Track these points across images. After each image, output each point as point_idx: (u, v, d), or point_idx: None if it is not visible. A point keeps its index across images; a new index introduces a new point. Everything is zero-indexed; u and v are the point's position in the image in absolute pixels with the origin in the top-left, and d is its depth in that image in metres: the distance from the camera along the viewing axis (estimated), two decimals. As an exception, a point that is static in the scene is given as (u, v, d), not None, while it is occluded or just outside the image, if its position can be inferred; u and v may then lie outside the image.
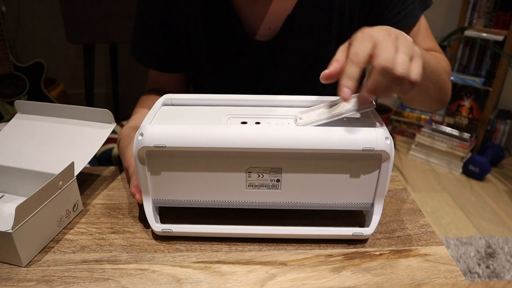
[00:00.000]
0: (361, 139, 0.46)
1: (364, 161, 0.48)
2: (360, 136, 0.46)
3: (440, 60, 0.69)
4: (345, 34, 0.72)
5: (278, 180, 0.49)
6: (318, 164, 0.48)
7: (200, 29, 0.73)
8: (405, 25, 0.71)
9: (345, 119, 0.51)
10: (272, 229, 0.51)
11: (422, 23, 0.73)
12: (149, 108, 0.55)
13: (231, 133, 0.46)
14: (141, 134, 0.47)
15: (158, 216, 0.53)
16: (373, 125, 0.49)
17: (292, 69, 0.75)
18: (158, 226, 0.51)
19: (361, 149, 0.46)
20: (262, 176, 0.49)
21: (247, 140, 0.46)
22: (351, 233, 0.51)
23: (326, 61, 0.67)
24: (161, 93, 0.81)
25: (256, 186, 0.49)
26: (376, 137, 0.46)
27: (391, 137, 0.47)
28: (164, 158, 0.48)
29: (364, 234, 0.51)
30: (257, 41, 0.72)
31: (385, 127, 0.48)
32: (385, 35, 0.45)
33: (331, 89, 0.58)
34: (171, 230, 0.51)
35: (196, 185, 0.50)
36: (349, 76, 0.44)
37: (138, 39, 0.79)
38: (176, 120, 0.51)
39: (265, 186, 0.49)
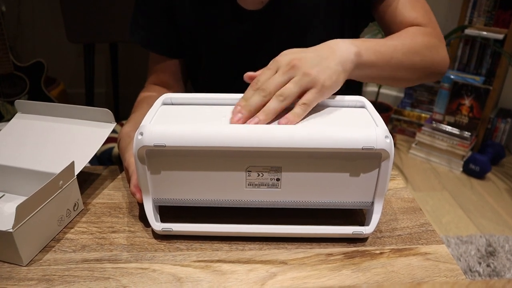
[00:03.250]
0: (361, 138, 0.46)
1: (364, 160, 0.48)
2: (359, 135, 0.46)
3: (410, 41, 0.65)
4: (335, 3, 0.73)
5: (278, 179, 0.49)
6: (318, 163, 0.48)
7: (192, 4, 0.73)
8: None
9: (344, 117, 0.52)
10: (272, 228, 0.51)
11: None
12: (149, 106, 0.55)
13: (231, 132, 0.46)
14: (141, 134, 0.47)
15: (158, 215, 0.53)
16: (373, 124, 0.49)
17: (285, 38, 0.75)
18: (158, 225, 0.51)
19: (361, 148, 0.46)
20: (262, 175, 0.49)
21: (247, 139, 0.46)
22: (351, 232, 0.51)
23: (317, 30, 0.69)
24: (160, 88, 0.82)
25: (256, 185, 0.49)
26: (375, 136, 0.46)
27: (391, 136, 0.47)
28: (164, 157, 0.48)
29: (364, 232, 0.51)
30: (248, 11, 0.72)
31: (384, 126, 0.48)
32: (285, 64, 0.52)
33: None
34: (171, 229, 0.51)
35: (196, 184, 0.50)
36: (246, 101, 0.51)
37: (138, 21, 0.78)
38: (176, 119, 0.51)
39: (265, 185, 0.49)
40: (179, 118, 0.51)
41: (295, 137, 0.46)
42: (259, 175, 0.49)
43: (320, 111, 0.54)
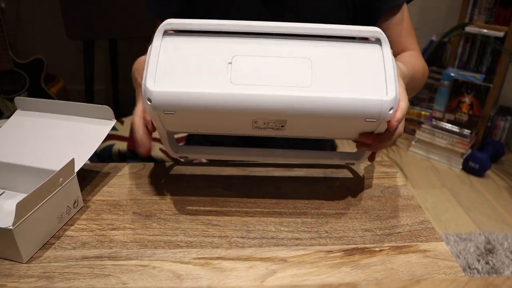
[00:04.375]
0: (365, 107, 0.47)
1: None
2: (364, 103, 0.47)
3: (418, 66, 0.75)
4: (345, 6, 0.76)
5: (282, 126, 0.51)
6: (322, 119, 0.49)
7: None
8: (395, 2, 0.75)
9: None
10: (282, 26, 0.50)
11: (406, 16, 0.78)
12: None
13: (238, 98, 0.46)
14: (149, 100, 0.46)
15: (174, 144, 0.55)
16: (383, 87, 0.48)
17: None
18: (175, 154, 0.55)
19: (364, 119, 0.47)
20: (267, 123, 0.50)
21: (254, 105, 0.46)
22: (344, 163, 0.55)
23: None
24: None
25: (262, 128, 0.52)
26: (380, 107, 0.46)
27: (397, 102, 0.48)
28: (175, 115, 0.49)
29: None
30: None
31: (394, 90, 0.48)
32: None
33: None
34: (187, 158, 0.55)
35: (206, 126, 0.53)
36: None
37: None
38: (180, 73, 0.48)
39: (271, 128, 0.52)
40: (183, 72, 0.49)
41: (300, 104, 0.46)
42: (265, 123, 0.50)
43: (330, 59, 0.51)
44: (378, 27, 0.78)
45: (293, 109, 0.46)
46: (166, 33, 0.50)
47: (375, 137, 0.52)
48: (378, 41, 0.50)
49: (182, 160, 0.62)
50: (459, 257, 1.44)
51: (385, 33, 0.78)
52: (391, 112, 0.47)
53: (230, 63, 0.48)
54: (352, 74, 0.48)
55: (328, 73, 0.48)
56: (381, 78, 0.48)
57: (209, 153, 0.64)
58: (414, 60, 0.76)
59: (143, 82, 0.47)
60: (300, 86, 0.47)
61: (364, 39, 0.50)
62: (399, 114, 0.48)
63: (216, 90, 0.46)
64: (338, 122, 0.49)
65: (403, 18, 0.78)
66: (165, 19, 0.82)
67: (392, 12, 0.77)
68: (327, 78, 0.48)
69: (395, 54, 0.80)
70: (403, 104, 0.49)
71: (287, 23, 0.54)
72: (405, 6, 0.78)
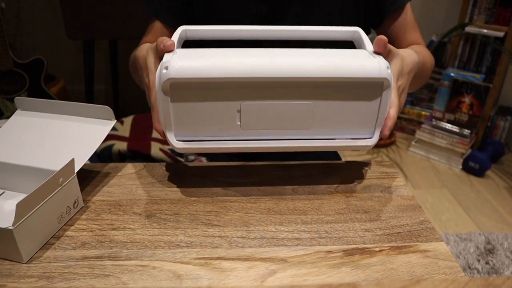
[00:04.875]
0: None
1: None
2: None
3: (426, 55, 0.76)
4: (348, 7, 0.77)
5: None
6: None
7: None
8: (399, 4, 0.77)
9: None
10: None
11: (409, 13, 0.79)
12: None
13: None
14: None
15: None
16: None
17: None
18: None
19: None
20: None
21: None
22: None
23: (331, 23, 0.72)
24: None
25: None
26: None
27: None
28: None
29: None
30: None
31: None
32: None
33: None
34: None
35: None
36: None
37: None
38: (194, 122, 0.53)
39: None
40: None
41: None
42: None
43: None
44: (383, 29, 0.80)
45: (293, 149, 0.56)
46: (172, 86, 0.51)
47: None
48: (381, 83, 0.53)
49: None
50: (459, 257, 1.44)
51: (392, 37, 0.81)
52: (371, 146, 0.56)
53: (239, 111, 0.53)
54: (348, 117, 0.54)
55: (326, 117, 0.54)
56: (372, 121, 0.55)
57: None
58: (422, 50, 0.77)
59: (167, 135, 0.53)
60: (302, 129, 0.55)
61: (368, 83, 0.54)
62: (389, 123, 0.55)
63: (228, 140, 0.54)
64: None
65: (407, 16, 0.78)
66: (160, 16, 0.82)
67: (396, 14, 0.78)
68: (325, 122, 0.55)
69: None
70: (393, 111, 0.55)
71: (275, 27, 0.60)
72: (408, 4, 0.78)
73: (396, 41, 0.81)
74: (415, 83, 0.71)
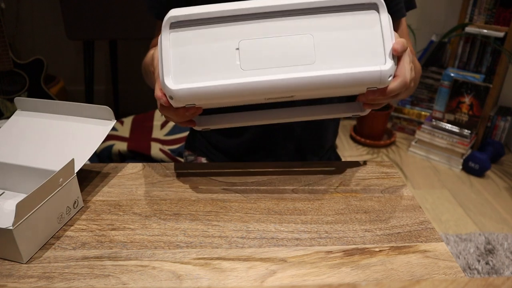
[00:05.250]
0: (365, 76, 0.50)
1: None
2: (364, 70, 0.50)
3: (417, 65, 0.75)
4: None
5: (292, 96, 0.54)
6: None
7: None
8: (395, 18, 0.76)
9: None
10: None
11: (404, 26, 0.80)
12: None
13: (250, 85, 0.50)
14: (171, 97, 0.50)
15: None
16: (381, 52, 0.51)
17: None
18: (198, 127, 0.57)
19: (365, 89, 0.51)
20: (278, 98, 0.54)
21: (265, 89, 0.50)
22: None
23: None
24: None
25: (273, 99, 0.55)
26: (380, 74, 0.49)
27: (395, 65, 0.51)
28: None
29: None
30: None
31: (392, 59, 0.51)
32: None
33: None
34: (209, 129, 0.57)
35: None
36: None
37: None
38: (194, 68, 0.52)
39: (281, 98, 0.55)
40: (198, 65, 0.52)
41: (306, 82, 0.49)
42: (276, 98, 0.54)
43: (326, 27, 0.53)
44: None
45: (299, 87, 0.50)
46: (172, 26, 0.52)
47: (374, 97, 0.54)
48: (374, 5, 0.51)
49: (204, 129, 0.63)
50: (459, 258, 1.44)
51: None
52: (390, 79, 0.51)
53: (238, 48, 0.51)
54: (352, 46, 0.51)
55: (330, 48, 0.51)
56: (380, 47, 0.51)
57: (228, 121, 0.64)
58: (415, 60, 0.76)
59: (161, 79, 0.51)
60: (305, 64, 0.51)
61: (361, 5, 0.52)
62: (395, 84, 0.51)
63: (229, 81, 0.50)
64: (342, 91, 0.53)
65: (402, 28, 0.79)
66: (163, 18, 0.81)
67: (395, 23, 0.78)
68: (329, 53, 0.51)
69: None
70: (400, 78, 0.52)
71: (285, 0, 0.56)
72: (404, 19, 0.79)
73: None
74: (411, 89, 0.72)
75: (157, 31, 0.83)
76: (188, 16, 0.51)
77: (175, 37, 0.51)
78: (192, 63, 0.51)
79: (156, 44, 0.82)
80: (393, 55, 0.51)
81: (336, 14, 0.51)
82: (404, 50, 0.52)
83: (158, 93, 0.53)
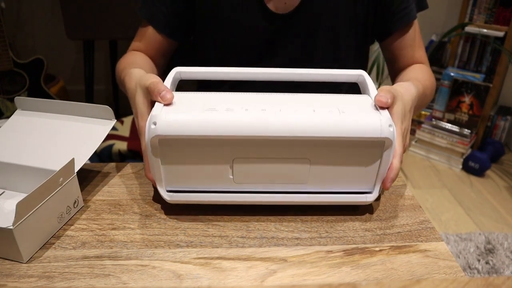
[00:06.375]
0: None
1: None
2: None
3: (427, 80, 0.74)
4: (358, 18, 0.75)
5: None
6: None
7: None
8: (406, 22, 0.73)
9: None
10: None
11: (417, 27, 0.79)
12: (142, 66, 0.58)
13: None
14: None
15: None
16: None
17: (299, 45, 0.76)
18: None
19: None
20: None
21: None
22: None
23: (336, 45, 0.70)
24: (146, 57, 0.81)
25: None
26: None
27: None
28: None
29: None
30: (273, 13, 0.73)
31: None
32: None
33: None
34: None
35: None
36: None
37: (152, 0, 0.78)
38: (186, 178, 0.53)
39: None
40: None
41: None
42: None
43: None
44: (388, 43, 0.79)
45: (288, 203, 0.55)
46: (160, 143, 0.50)
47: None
48: (381, 143, 0.50)
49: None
50: (459, 257, 1.44)
51: (397, 52, 0.80)
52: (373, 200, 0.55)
53: (231, 167, 0.51)
54: (348, 175, 0.52)
55: (324, 174, 0.52)
56: (373, 177, 0.53)
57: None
58: (424, 75, 0.74)
59: (158, 188, 0.53)
60: (296, 183, 0.53)
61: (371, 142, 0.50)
62: (391, 175, 0.52)
63: (221, 195, 0.53)
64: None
65: (413, 33, 0.77)
66: (154, 21, 0.83)
67: (403, 30, 0.77)
68: (322, 178, 0.52)
69: (406, 67, 0.79)
70: (396, 162, 0.52)
71: (276, 70, 0.58)
72: (415, 21, 0.77)
73: (400, 58, 0.79)
74: (414, 112, 0.70)
75: (140, 32, 0.83)
76: (177, 137, 0.49)
77: (163, 154, 0.50)
78: (183, 172, 0.52)
79: (136, 48, 0.82)
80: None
81: (337, 143, 0.50)
82: (389, 105, 0.51)
83: (148, 174, 0.54)
